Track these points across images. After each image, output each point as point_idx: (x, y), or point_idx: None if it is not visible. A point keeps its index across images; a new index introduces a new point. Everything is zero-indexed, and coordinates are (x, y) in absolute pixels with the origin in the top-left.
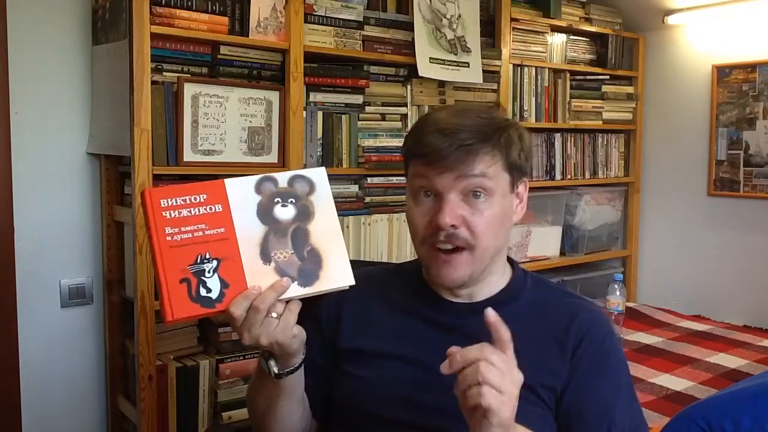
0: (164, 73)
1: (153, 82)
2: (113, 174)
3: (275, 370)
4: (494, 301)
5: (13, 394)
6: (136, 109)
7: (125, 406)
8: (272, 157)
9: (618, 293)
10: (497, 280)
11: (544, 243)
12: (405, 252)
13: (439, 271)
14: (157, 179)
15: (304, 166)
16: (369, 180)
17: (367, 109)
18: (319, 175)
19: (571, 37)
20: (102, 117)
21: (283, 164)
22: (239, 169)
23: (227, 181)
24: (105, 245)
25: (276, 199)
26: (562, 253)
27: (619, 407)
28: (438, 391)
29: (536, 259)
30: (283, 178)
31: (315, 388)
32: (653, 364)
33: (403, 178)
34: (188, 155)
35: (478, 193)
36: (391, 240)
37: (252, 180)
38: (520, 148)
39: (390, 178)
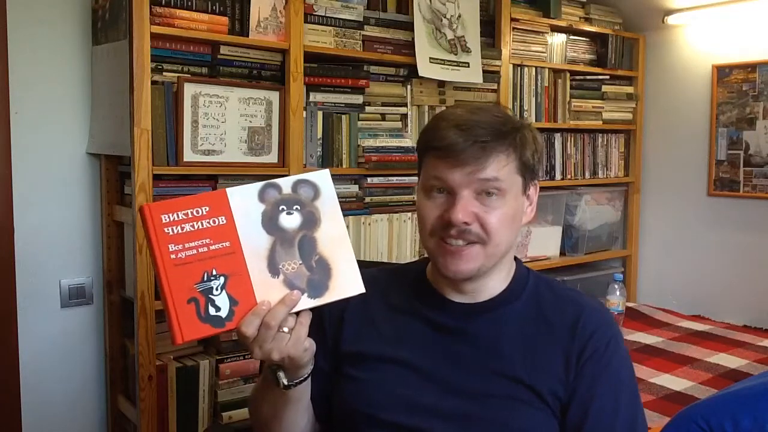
0: (164, 73)
1: (153, 82)
2: (113, 174)
3: (284, 381)
4: (496, 302)
5: (13, 393)
6: (136, 109)
7: (125, 406)
8: (272, 157)
9: (618, 293)
10: (501, 280)
11: (544, 243)
12: (405, 252)
13: (447, 262)
14: (157, 179)
15: (304, 167)
16: (369, 180)
17: (367, 109)
18: (323, 178)
19: (571, 37)
20: (102, 117)
21: (283, 164)
22: (239, 169)
23: (229, 190)
24: (105, 245)
25: (281, 207)
26: (562, 253)
27: (621, 413)
28: (439, 393)
29: (536, 259)
30: (286, 183)
31: (318, 392)
32: (653, 364)
33: (403, 177)
34: (188, 155)
35: (491, 192)
36: (391, 240)
37: (254, 188)
38: (534, 149)
39: (390, 178)
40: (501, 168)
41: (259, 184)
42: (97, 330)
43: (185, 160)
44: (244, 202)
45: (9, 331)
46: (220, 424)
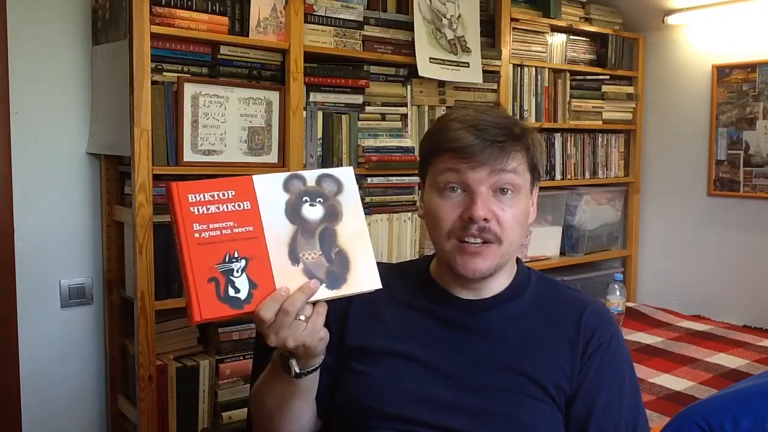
0: (164, 73)
1: (153, 82)
2: (113, 174)
3: (296, 369)
4: (501, 299)
5: (13, 394)
6: (136, 109)
7: (125, 406)
8: (272, 157)
9: (618, 293)
10: (505, 277)
11: (544, 243)
12: (405, 252)
13: (466, 262)
14: (157, 179)
15: (304, 166)
16: (369, 180)
17: (367, 109)
18: (346, 174)
19: (571, 37)
20: (102, 117)
21: (283, 164)
22: (239, 170)
23: (255, 177)
24: (105, 245)
25: (304, 198)
26: (562, 253)
27: (625, 405)
28: (447, 387)
29: (536, 259)
30: (311, 176)
31: (323, 387)
32: (653, 364)
33: (403, 177)
34: (188, 155)
35: (505, 190)
36: (391, 240)
37: (280, 177)
38: (540, 151)
39: (390, 178)
40: (518, 165)
41: (285, 174)
42: (97, 330)
43: (185, 160)
44: (269, 190)
45: (9, 331)
46: (219, 424)
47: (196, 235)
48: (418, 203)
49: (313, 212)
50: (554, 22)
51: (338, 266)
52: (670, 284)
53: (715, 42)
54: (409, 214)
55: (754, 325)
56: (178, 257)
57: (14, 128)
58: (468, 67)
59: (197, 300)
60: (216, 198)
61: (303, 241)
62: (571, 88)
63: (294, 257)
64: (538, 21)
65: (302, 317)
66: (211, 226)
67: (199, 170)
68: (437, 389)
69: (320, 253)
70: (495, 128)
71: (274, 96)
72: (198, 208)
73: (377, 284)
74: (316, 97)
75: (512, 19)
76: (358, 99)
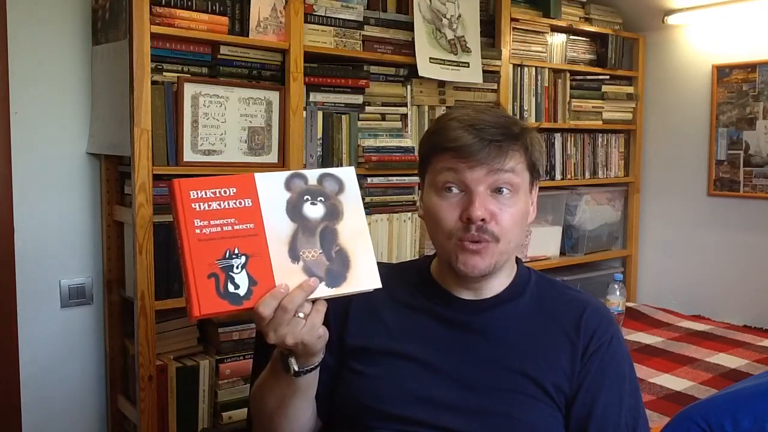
0: (164, 73)
1: (153, 82)
2: (113, 174)
3: (295, 368)
4: (501, 299)
5: (13, 394)
6: (136, 109)
7: (125, 406)
8: (272, 157)
9: (618, 293)
10: (505, 277)
11: (544, 243)
12: (405, 252)
13: (467, 259)
14: (157, 179)
15: (304, 166)
16: (369, 180)
17: (367, 109)
18: (348, 174)
19: (571, 37)
20: (102, 117)
21: (283, 164)
22: (239, 170)
23: (257, 175)
24: (105, 245)
25: (305, 197)
26: (562, 253)
27: (625, 406)
28: (447, 386)
29: (536, 259)
30: (312, 175)
31: (322, 387)
32: (653, 364)
33: (403, 177)
34: (188, 155)
35: (503, 189)
36: (391, 240)
37: (281, 176)
38: (539, 151)
39: (390, 178)
40: (516, 165)
41: (287, 173)
42: (97, 330)
43: (185, 160)
44: (271, 188)
45: (9, 331)
46: (219, 425)
47: (197, 231)
48: (418, 203)
49: (314, 211)
50: (554, 22)
51: (338, 264)
52: (670, 284)
53: (715, 42)
54: (409, 214)
55: (754, 325)
56: (179, 253)
57: (14, 128)
58: (468, 67)
59: (197, 295)
60: (218, 195)
61: (303, 239)
62: (571, 88)
63: (294, 255)
64: (538, 21)
65: (301, 315)
66: (212, 222)
67: (199, 170)
68: (437, 389)
69: (320, 251)
70: (493, 128)
71: (274, 96)
72: (199, 205)
73: (377, 283)
74: (316, 97)
75: (512, 19)
76: (358, 99)
